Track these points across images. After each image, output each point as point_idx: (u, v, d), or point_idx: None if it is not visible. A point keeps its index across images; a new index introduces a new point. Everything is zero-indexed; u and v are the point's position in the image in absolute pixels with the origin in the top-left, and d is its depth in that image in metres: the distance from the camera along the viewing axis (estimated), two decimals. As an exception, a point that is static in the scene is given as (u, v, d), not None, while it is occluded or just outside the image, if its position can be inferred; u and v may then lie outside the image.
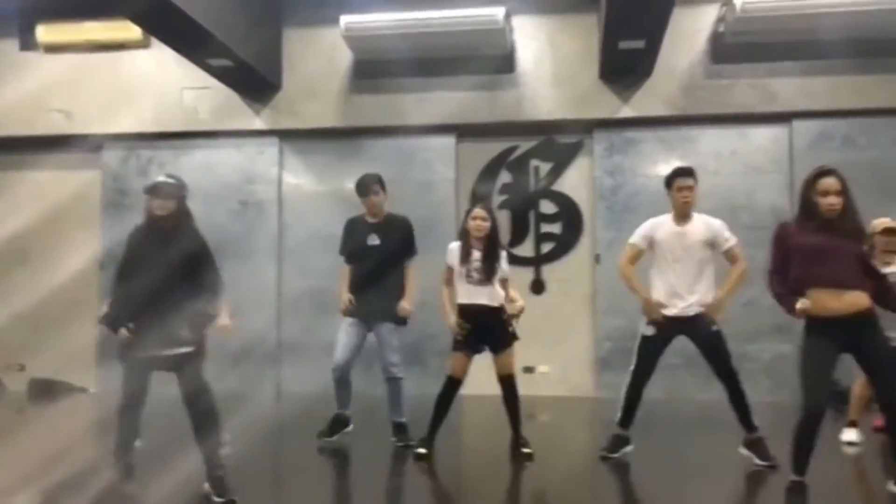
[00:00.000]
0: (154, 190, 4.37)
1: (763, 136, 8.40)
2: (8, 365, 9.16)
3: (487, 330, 5.33)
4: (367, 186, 5.89)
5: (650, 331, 5.20)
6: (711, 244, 5.28)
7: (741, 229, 8.25)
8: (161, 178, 4.47)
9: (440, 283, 5.53)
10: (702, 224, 5.32)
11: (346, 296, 5.84)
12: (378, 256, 5.83)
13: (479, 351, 5.40)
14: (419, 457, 5.33)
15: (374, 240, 5.86)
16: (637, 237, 5.34)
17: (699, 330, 5.17)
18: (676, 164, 8.43)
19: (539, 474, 5.11)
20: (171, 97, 8.92)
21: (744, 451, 5.19)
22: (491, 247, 5.37)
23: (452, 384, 5.41)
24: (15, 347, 9.06)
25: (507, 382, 5.39)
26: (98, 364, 8.90)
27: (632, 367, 5.28)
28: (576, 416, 7.47)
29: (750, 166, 8.37)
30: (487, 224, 5.35)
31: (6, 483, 4.60)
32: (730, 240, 5.33)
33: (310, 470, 5.30)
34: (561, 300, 8.71)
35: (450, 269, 5.46)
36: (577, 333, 8.62)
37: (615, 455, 5.32)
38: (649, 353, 5.23)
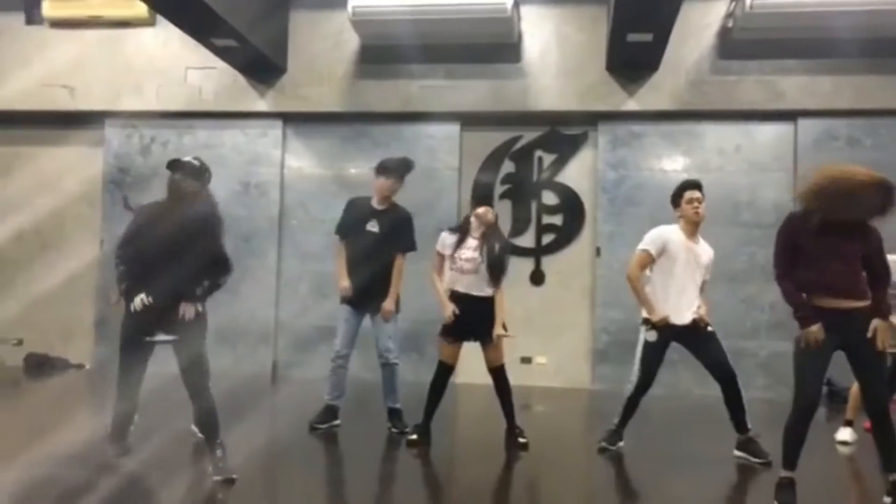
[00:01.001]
0: (178, 167, 4.39)
1: (768, 134, 8.38)
2: (4, 339, 9.16)
3: (474, 319, 5.32)
4: (397, 170, 5.83)
5: (653, 336, 5.19)
6: (707, 269, 5.35)
7: (743, 227, 8.31)
8: (188, 158, 4.45)
9: (431, 270, 5.52)
10: (707, 248, 5.38)
11: (345, 282, 5.77)
12: (375, 244, 5.77)
13: (465, 339, 5.41)
14: (411, 443, 5.34)
15: (373, 226, 5.81)
16: (650, 244, 5.25)
17: (698, 333, 5.20)
18: (680, 158, 8.48)
19: (532, 464, 5.12)
20: (176, 76, 8.89)
21: (738, 453, 5.21)
22: (488, 241, 5.36)
23: (444, 370, 5.43)
24: (12, 322, 9.05)
25: (498, 374, 5.40)
26: (96, 341, 8.90)
27: (636, 375, 5.23)
28: (572, 408, 7.47)
29: (754, 164, 8.36)
30: (491, 216, 5.40)
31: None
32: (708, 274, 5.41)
33: (302, 455, 5.30)
34: (560, 292, 8.71)
35: (440, 257, 5.48)
36: (576, 325, 8.63)
37: (613, 448, 5.34)
38: (654, 359, 5.22)
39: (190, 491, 4.18)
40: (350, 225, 5.86)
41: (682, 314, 5.17)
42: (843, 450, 5.73)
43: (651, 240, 5.27)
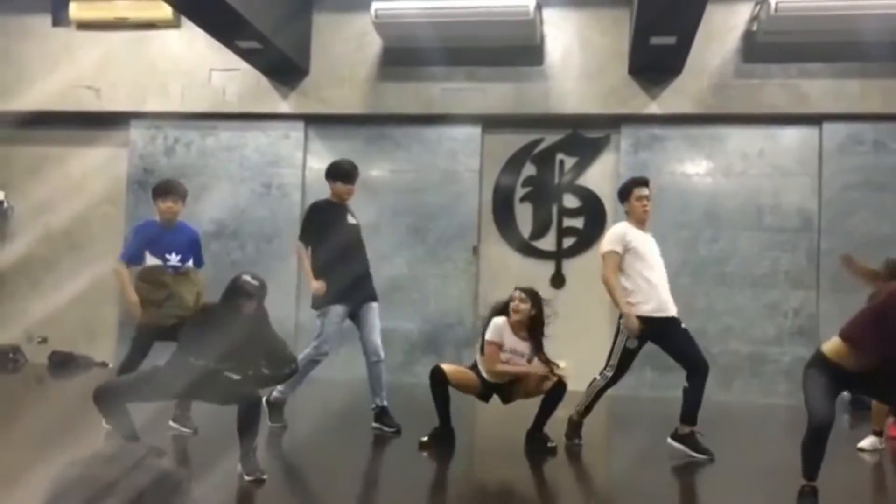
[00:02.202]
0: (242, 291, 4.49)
1: (792, 138, 8.30)
2: (30, 337, 9.27)
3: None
4: (353, 176, 5.87)
5: (634, 344, 5.25)
6: None
7: (766, 231, 8.24)
8: (247, 278, 4.52)
9: (487, 357, 5.29)
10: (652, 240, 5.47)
11: (316, 284, 5.65)
12: (357, 235, 5.84)
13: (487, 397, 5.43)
14: (423, 445, 5.31)
15: (351, 219, 5.86)
16: (614, 244, 5.27)
17: (675, 328, 5.26)
18: (703, 162, 8.42)
19: (553, 467, 5.10)
20: (200, 78, 8.97)
21: (677, 445, 5.20)
22: (533, 330, 5.32)
23: (442, 379, 5.25)
24: (37, 320, 9.17)
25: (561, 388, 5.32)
26: (118, 340, 8.99)
27: (609, 373, 5.33)
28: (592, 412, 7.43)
29: (777, 168, 8.28)
30: (527, 307, 5.26)
31: (25, 441, 4.67)
32: None
33: (319, 455, 5.32)
34: (581, 295, 8.67)
35: (496, 346, 5.27)
36: (596, 329, 8.58)
37: (578, 441, 5.48)
38: (629, 362, 5.33)
39: (220, 490, 4.21)
40: (331, 226, 5.78)
41: (670, 306, 5.25)
42: (866, 457, 5.66)
43: (614, 240, 5.29)
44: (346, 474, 4.78)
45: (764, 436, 6.35)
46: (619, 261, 5.25)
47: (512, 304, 5.28)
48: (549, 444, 5.34)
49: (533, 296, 5.29)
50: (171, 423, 5.39)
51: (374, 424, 5.78)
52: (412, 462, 5.19)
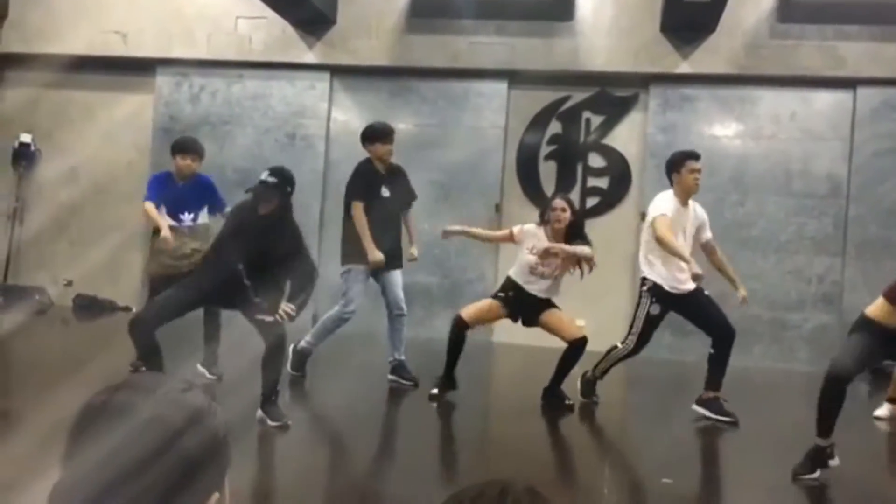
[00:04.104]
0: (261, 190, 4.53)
1: (825, 102, 8.13)
2: (55, 279, 9.40)
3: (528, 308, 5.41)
4: (390, 134, 5.86)
5: (657, 310, 5.25)
6: (703, 228, 5.46)
7: (793, 197, 8.13)
8: (263, 175, 4.53)
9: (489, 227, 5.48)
10: (699, 210, 5.46)
11: (378, 255, 5.69)
12: (389, 208, 5.85)
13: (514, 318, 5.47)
14: (434, 397, 5.36)
15: (385, 192, 5.86)
16: (667, 209, 5.24)
17: (697, 296, 5.27)
18: (733, 124, 8.29)
19: (569, 425, 5.13)
20: (226, 25, 8.90)
21: (701, 410, 5.22)
22: (570, 237, 5.40)
23: (464, 326, 5.39)
24: (63, 263, 9.29)
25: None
26: (142, 284, 9.09)
27: (632, 342, 5.32)
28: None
29: (808, 132, 8.13)
30: (567, 215, 5.37)
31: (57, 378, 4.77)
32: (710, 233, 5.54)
33: (330, 408, 5.38)
34: (602, 256, 8.57)
35: (510, 237, 5.47)
36: (616, 290, 8.55)
37: (595, 399, 5.51)
38: (651, 330, 5.32)
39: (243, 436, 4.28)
40: (369, 191, 5.82)
41: (687, 282, 5.24)
42: (881, 426, 5.65)
43: (666, 206, 5.27)
44: (363, 427, 4.84)
45: (782, 401, 6.34)
46: (669, 223, 5.20)
47: (553, 215, 5.37)
48: (567, 402, 5.37)
49: (572, 204, 5.50)
50: (198, 366, 5.47)
51: (391, 377, 5.86)
52: (429, 417, 5.24)
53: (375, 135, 5.85)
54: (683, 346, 8.03)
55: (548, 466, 4.41)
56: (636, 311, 5.37)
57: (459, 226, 5.84)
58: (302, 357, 5.83)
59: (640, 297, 5.35)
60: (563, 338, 5.36)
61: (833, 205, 8.06)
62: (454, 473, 4.20)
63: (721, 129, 8.31)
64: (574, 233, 5.42)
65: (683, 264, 5.21)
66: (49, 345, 7.19)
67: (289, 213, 4.66)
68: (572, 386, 5.47)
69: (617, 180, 8.59)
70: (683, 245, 5.26)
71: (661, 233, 5.17)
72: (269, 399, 4.38)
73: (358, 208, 5.76)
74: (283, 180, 4.59)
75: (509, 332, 8.27)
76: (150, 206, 5.47)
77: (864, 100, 7.98)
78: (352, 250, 5.73)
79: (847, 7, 7.72)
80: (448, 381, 5.43)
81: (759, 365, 7.81)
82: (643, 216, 8.34)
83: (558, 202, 5.43)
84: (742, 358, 6.86)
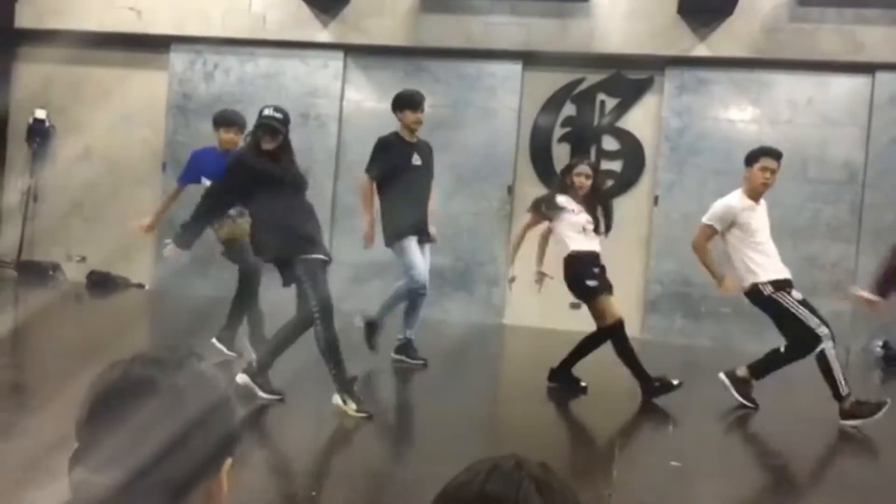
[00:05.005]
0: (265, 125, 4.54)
1: (843, 87, 8.05)
2: (69, 256, 9.46)
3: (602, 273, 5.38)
4: (420, 102, 5.80)
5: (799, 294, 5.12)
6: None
7: (810, 183, 8.06)
8: (269, 112, 4.55)
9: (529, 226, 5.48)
10: (763, 205, 5.26)
11: (369, 232, 5.75)
12: (422, 177, 5.83)
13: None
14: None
15: (416, 160, 5.82)
16: (716, 221, 5.10)
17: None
18: (749, 108, 8.22)
19: (578, 408, 5.14)
20: (240, 3, 8.87)
21: (724, 379, 5.15)
22: (591, 200, 5.42)
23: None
24: (76, 240, 9.34)
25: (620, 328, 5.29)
26: (154, 262, 9.13)
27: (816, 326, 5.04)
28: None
29: (826, 118, 8.06)
30: (590, 182, 5.40)
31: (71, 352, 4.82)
32: None
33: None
34: (615, 239, 8.53)
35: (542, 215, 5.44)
36: (629, 274, 8.51)
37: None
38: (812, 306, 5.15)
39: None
40: (394, 163, 5.75)
41: (784, 269, 5.11)
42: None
43: (718, 216, 5.10)
44: (372, 406, 4.86)
45: (792, 387, 6.32)
46: (711, 235, 5.10)
47: (578, 180, 5.36)
48: (582, 385, 5.34)
49: (595, 169, 5.54)
50: (214, 341, 5.48)
51: (397, 356, 5.84)
52: (439, 398, 5.26)
53: (405, 102, 5.80)
54: (695, 329, 8.02)
55: (558, 448, 4.42)
56: (784, 310, 5.04)
57: (510, 254, 5.74)
58: (372, 330, 5.81)
59: (772, 301, 5.04)
60: (601, 320, 5.27)
61: (849, 191, 8.00)
62: (466, 454, 4.21)
63: (737, 114, 8.24)
64: (597, 196, 5.47)
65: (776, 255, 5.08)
66: (63, 321, 7.24)
67: (290, 147, 4.68)
68: (582, 370, 5.47)
69: (631, 163, 8.54)
70: (767, 246, 5.09)
71: (695, 240, 5.11)
72: (264, 370, 4.41)
73: (367, 182, 5.75)
74: (285, 115, 4.62)
75: (519, 314, 8.29)
76: (173, 190, 5.68)
77: (883, 85, 7.88)
78: (394, 225, 5.68)
79: (868, -10, 7.62)
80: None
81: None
82: (657, 200, 8.35)
83: (584, 168, 5.43)
84: (754, 344, 6.83)
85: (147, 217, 5.60)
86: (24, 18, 9.31)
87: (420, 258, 5.68)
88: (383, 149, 5.79)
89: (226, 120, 5.65)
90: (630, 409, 5.30)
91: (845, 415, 4.78)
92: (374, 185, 5.78)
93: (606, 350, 5.32)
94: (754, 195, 5.14)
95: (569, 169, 5.52)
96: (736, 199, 5.13)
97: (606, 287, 5.33)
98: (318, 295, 4.35)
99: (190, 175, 5.64)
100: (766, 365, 5.15)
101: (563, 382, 5.37)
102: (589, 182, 5.39)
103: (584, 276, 5.27)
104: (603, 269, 5.38)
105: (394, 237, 5.72)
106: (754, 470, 4.39)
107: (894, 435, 4.75)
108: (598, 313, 5.29)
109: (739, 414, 5.14)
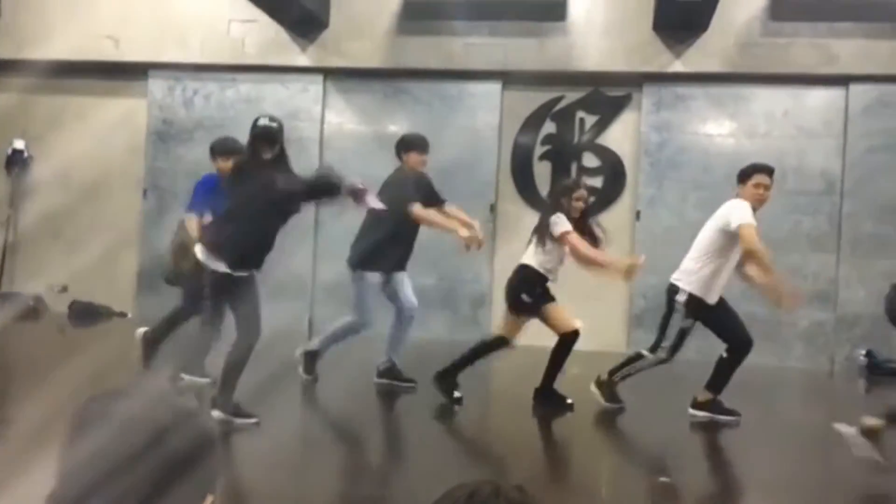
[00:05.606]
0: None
1: (818, 99, 8.16)
2: (51, 286, 9.37)
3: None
4: (427, 145, 5.86)
5: (688, 324, 5.22)
6: None
7: (788, 194, 8.12)
8: (265, 122, 4.50)
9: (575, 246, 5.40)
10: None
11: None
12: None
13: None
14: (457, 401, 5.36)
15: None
16: (751, 217, 5.13)
17: (723, 307, 5.33)
18: (726, 122, 8.30)
19: (566, 424, 5.13)
20: (219, 29, 8.89)
21: (697, 413, 5.20)
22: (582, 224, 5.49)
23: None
24: (58, 269, 9.25)
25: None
26: (138, 290, 9.07)
27: (664, 354, 5.25)
28: (606, 371, 7.46)
29: (802, 129, 8.15)
30: (585, 205, 5.51)
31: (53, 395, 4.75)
32: None
33: (327, 410, 5.38)
34: (598, 255, 8.63)
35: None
36: (612, 289, 8.54)
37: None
38: (682, 342, 5.27)
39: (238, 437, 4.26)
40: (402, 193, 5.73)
41: (717, 295, 5.17)
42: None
43: (749, 214, 5.11)
44: (359, 427, 4.84)
45: (778, 399, 6.35)
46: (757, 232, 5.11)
47: (577, 205, 5.42)
48: (567, 402, 5.35)
49: (589, 191, 5.62)
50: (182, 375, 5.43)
51: (382, 380, 5.83)
52: (426, 417, 5.23)
53: (412, 144, 5.86)
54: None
55: (546, 465, 4.41)
56: (667, 320, 5.23)
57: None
58: (312, 359, 5.82)
59: (672, 306, 5.18)
60: (558, 330, 5.34)
61: (827, 202, 8.08)
62: (453, 474, 4.19)
63: (715, 128, 8.32)
64: (586, 218, 5.55)
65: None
66: (45, 352, 7.16)
67: (287, 156, 4.67)
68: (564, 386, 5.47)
69: (612, 180, 8.59)
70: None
71: (755, 244, 5.04)
72: (228, 396, 4.39)
73: (417, 210, 5.65)
74: (280, 123, 4.65)
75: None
76: (191, 222, 5.48)
77: (857, 96, 7.99)
78: (369, 255, 5.65)
79: (839, 4, 7.74)
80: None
81: (755, 362, 7.80)
82: (638, 215, 8.40)
83: (583, 192, 5.53)
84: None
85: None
86: (2, 49, 9.28)
87: (373, 304, 5.72)
88: (404, 180, 5.76)
89: (224, 149, 5.57)
90: (617, 425, 5.31)
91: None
92: (414, 211, 5.68)
93: (592, 367, 5.33)
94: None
95: (568, 191, 5.51)
96: (747, 204, 5.17)
97: (547, 300, 5.39)
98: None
99: (200, 202, 5.55)
100: (725, 378, 5.18)
101: (549, 400, 5.37)
102: (583, 206, 5.48)
103: (523, 290, 5.33)
104: (546, 289, 5.42)
105: (359, 265, 5.72)
106: (743, 483, 4.39)
107: None
108: (550, 322, 5.39)
109: (726, 427, 5.15)
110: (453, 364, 5.39)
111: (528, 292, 5.31)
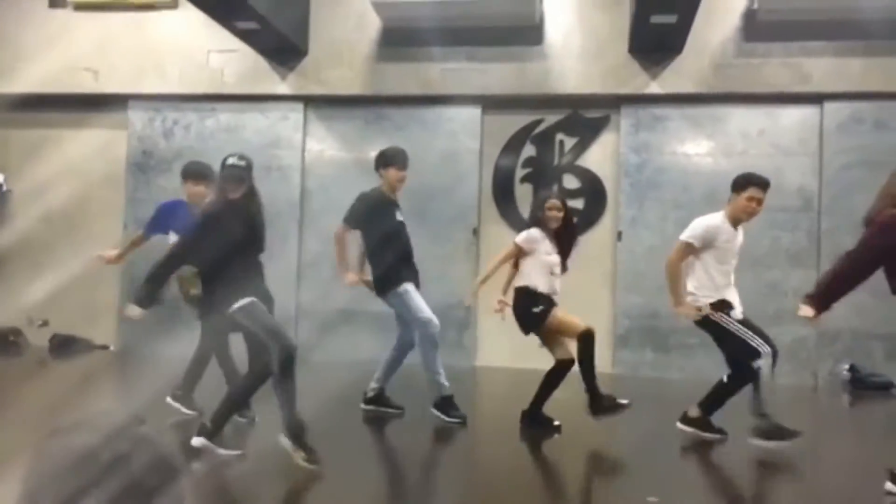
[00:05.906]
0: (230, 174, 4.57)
1: (793, 117, 8.27)
2: (31, 320, 9.28)
3: None
4: (406, 160, 5.82)
5: (736, 315, 5.18)
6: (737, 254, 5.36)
7: (766, 211, 8.12)
8: (233, 161, 4.51)
9: (502, 258, 5.46)
10: (741, 234, 5.32)
11: (351, 278, 5.77)
12: (405, 233, 5.82)
13: None
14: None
15: (399, 216, 5.83)
16: (696, 239, 5.09)
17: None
18: (704, 142, 8.39)
19: (552, 447, 5.12)
20: (198, 59, 8.92)
21: (685, 427, 5.21)
22: (562, 239, 5.49)
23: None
24: (38, 303, 9.16)
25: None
26: (119, 322, 9.00)
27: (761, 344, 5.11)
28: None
29: (778, 147, 8.26)
30: (561, 215, 5.45)
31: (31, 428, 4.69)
32: None
33: (321, 438, 5.34)
34: (581, 276, 8.62)
35: (518, 250, 5.39)
36: (596, 310, 8.57)
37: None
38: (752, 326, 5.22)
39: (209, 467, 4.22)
40: (381, 221, 5.73)
41: (734, 299, 5.17)
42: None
43: (699, 235, 5.08)
44: (347, 452, 4.81)
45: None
46: (690, 252, 5.08)
47: (551, 214, 5.38)
48: (555, 424, 5.34)
49: (564, 202, 5.51)
50: (168, 399, 5.41)
51: (370, 406, 5.81)
52: (414, 442, 5.21)
53: (390, 159, 5.77)
54: (665, 362, 8.06)
55: (534, 487, 4.39)
56: (721, 341, 5.14)
57: (477, 282, 5.75)
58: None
59: (711, 322, 5.09)
60: (572, 335, 5.31)
61: (805, 218, 8.17)
62: (443, 499, 4.17)
63: (692, 147, 8.41)
64: (568, 230, 5.53)
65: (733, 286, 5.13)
66: (26, 387, 7.07)
67: (257, 194, 4.67)
68: (551, 408, 5.46)
69: (592, 201, 8.66)
70: (729, 272, 5.14)
71: (671, 257, 5.07)
72: (219, 428, 4.36)
73: (342, 229, 5.70)
74: (249, 162, 4.60)
75: (490, 356, 8.31)
76: (136, 237, 5.70)
77: (831, 114, 8.12)
78: (389, 275, 5.63)
79: (811, 24, 7.87)
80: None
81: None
82: (620, 235, 8.45)
83: (554, 202, 5.44)
84: (722, 371, 6.88)
85: (114, 250, 5.54)
86: (-21, 83, 9.26)
87: (422, 300, 5.66)
88: (366, 203, 5.73)
89: (193, 173, 5.57)
90: (605, 446, 5.30)
91: (760, 433, 4.88)
92: (338, 228, 5.75)
93: (576, 388, 5.33)
94: (735, 222, 5.16)
95: (540, 203, 5.50)
96: (718, 219, 5.13)
97: (552, 306, 5.37)
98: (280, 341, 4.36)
99: (157, 227, 5.57)
100: (723, 402, 5.17)
101: (536, 423, 5.37)
102: (560, 215, 5.42)
103: (532, 306, 5.32)
104: (549, 300, 5.42)
105: (389, 285, 5.65)
106: (730, 502, 4.39)
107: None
108: (553, 338, 5.34)
109: (712, 446, 5.15)
110: (533, 403, 5.37)
111: (534, 305, 5.30)
